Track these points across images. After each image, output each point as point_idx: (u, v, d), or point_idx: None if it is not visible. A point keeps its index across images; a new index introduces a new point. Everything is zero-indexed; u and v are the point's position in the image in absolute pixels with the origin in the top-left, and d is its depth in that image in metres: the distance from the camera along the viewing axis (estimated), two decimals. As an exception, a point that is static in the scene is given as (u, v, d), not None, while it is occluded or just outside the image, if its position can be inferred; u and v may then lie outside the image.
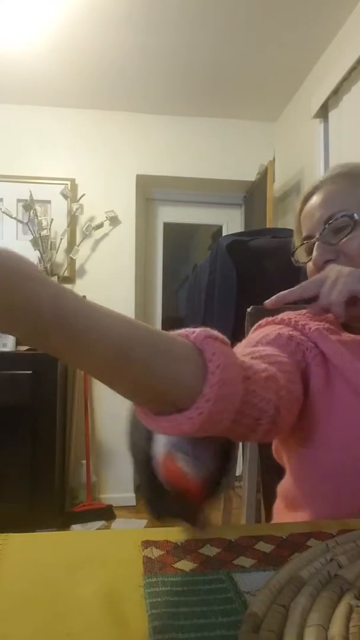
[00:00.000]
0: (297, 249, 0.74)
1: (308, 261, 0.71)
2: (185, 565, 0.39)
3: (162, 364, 0.40)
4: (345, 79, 2.02)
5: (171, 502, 0.45)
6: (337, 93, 2.11)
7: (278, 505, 0.70)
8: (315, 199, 0.71)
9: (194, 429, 0.41)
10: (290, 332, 0.66)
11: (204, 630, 0.30)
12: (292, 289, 0.55)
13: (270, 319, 0.71)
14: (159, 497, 0.46)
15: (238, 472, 2.00)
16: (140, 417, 0.44)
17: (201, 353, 0.42)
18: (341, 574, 0.33)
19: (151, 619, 0.31)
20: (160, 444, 0.47)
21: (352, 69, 1.93)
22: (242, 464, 1.76)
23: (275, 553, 0.41)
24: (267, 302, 0.54)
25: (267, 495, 0.92)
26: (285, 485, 0.70)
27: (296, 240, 0.76)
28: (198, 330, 0.43)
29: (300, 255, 0.74)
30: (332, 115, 2.20)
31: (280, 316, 0.71)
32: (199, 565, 0.39)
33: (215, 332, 0.44)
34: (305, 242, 0.72)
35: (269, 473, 0.74)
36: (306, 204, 0.73)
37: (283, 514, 0.68)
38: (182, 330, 0.44)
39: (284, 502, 0.69)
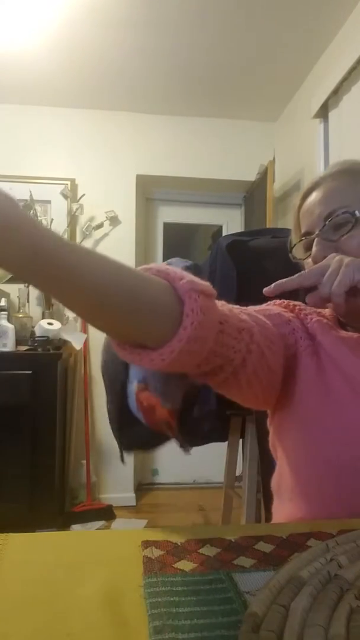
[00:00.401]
0: (295, 245, 0.73)
1: (306, 257, 0.70)
2: (185, 565, 0.39)
3: (140, 312, 0.43)
4: (345, 79, 2.02)
5: (141, 430, 0.50)
6: (337, 93, 2.11)
7: (275, 505, 0.70)
8: (315, 195, 0.70)
9: (154, 368, 0.45)
10: (290, 317, 0.68)
11: (204, 630, 0.30)
12: (292, 277, 0.55)
13: (279, 301, 0.73)
14: (128, 426, 0.50)
15: (238, 472, 2.00)
16: (115, 348, 0.47)
17: (181, 304, 0.44)
18: (341, 574, 0.33)
19: (151, 619, 0.31)
20: (134, 376, 0.51)
21: (352, 69, 1.93)
22: (242, 464, 1.76)
23: (275, 553, 0.41)
24: (266, 289, 0.55)
25: (267, 495, 0.92)
26: (276, 479, 0.70)
27: (294, 237, 0.75)
28: (186, 279, 0.45)
29: (298, 252, 0.73)
30: (332, 115, 2.20)
31: (291, 302, 0.72)
32: (199, 565, 0.39)
33: (202, 284, 0.46)
34: (304, 238, 0.71)
35: (269, 473, 0.74)
36: (305, 200, 0.72)
37: (279, 509, 0.68)
38: (172, 272, 0.46)
39: (279, 498, 0.69)
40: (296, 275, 0.55)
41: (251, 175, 2.91)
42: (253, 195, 2.97)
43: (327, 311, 0.72)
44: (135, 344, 0.46)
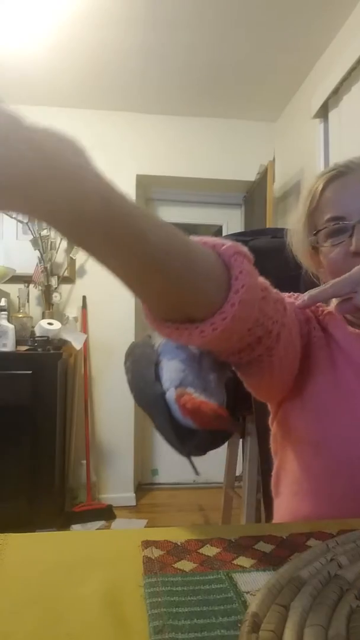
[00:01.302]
0: (321, 230, 0.66)
1: (332, 244, 0.65)
2: (185, 565, 0.39)
3: (192, 276, 0.40)
4: (345, 79, 2.01)
5: (201, 433, 0.46)
6: (337, 93, 2.11)
7: (277, 502, 0.70)
8: (348, 181, 0.65)
9: (203, 342, 0.42)
10: (307, 317, 0.67)
11: (204, 630, 0.30)
12: (324, 287, 0.51)
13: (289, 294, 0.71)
14: (188, 436, 0.47)
15: (238, 472, 2.00)
16: (158, 328, 0.45)
17: (228, 268, 0.42)
18: (341, 574, 0.33)
19: (151, 619, 0.31)
20: (170, 384, 0.48)
21: (352, 69, 1.93)
22: (242, 464, 1.76)
23: (275, 553, 0.41)
24: (298, 303, 0.53)
25: (267, 495, 0.92)
26: (278, 475, 0.69)
27: (306, 223, 0.69)
28: (228, 243, 0.43)
29: (322, 238, 0.66)
30: (332, 115, 2.20)
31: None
32: (199, 565, 0.39)
33: (243, 248, 0.44)
34: (334, 223, 0.64)
35: (269, 473, 0.74)
36: (331, 184, 0.66)
37: (281, 506, 0.67)
38: (212, 240, 0.44)
39: (280, 494, 0.69)
40: (328, 285, 0.51)
41: (251, 175, 2.91)
42: (253, 195, 2.97)
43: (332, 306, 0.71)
44: (180, 320, 0.43)
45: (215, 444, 0.49)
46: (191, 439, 0.47)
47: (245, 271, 0.43)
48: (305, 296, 0.52)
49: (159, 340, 0.53)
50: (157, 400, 0.48)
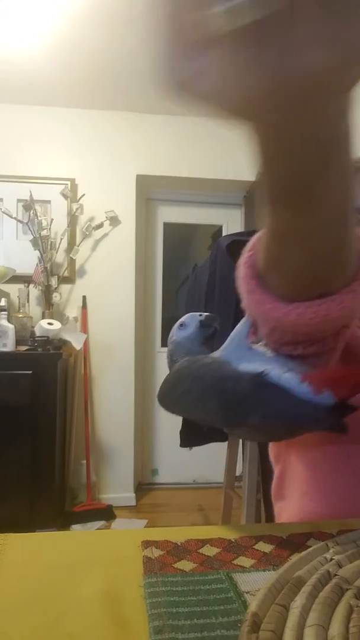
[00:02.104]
0: None
1: None
2: (185, 565, 0.39)
3: (352, 237, 0.38)
4: (345, 79, 2.01)
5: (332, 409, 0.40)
6: (337, 93, 2.11)
7: (280, 506, 0.70)
8: None
9: (342, 314, 0.39)
10: None
11: (204, 630, 0.30)
12: None
13: None
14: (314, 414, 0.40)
15: (238, 472, 2.00)
16: (260, 300, 0.41)
17: None
18: (341, 574, 0.33)
19: (151, 619, 0.31)
20: (281, 369, 0.42)
21: (352, 69, 1.93)
22: (242, 464, 1.76)
23: (275, 553, 0.41)
24: None
25: (267, 495, 0.92)
26: (281, 480, 0.69)
27: None
28: None
29: None
30: (332, 115, 2.20)
31: None
32: (199, 565, 0.39)
33: None
34: None
35: (269, 473, 0.74)
36: None
37: (287, 508, 0.67)
38: None
39: (283, 498, 0.68)
40: None
41: (251, 175, 2.91)
42: (253, 195, 2.97)
43: None
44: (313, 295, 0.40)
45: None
46: (326, 413, 0.40)
47: None
48: None
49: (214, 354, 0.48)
50: (267, 387, 0.42)
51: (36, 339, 2.36)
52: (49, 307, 2.70)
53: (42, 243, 2.69)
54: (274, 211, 0.37)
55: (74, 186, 2.85)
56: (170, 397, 0.50)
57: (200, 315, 0.55)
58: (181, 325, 0.55)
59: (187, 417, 0.51)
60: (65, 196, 2.83)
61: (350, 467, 0.59)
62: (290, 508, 0.67)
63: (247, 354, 0.45)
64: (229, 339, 0.48)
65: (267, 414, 0.42)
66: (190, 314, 0.55)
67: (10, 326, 2.35)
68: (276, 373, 0.42)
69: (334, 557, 0.35)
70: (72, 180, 2.85)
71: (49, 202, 2.82)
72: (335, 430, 0.41)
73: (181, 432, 2.00)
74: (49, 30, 2.16)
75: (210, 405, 0.45)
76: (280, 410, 0.41)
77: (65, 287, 2.83)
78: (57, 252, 2.78)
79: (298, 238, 0.37)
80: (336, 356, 0.49)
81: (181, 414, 0.53)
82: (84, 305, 2.82)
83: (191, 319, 0.55)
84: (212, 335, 0.54)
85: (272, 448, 0.72)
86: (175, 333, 0.56)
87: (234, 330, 0.48)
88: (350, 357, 0.57)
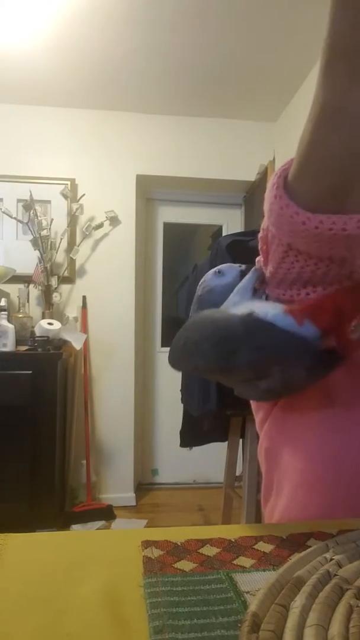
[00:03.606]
0: None
1: None
2: (185, 565, 0.39)
3: None
4: (345, 79, 2.01)
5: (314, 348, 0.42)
6: (337, 93, 2.11)
7: (272, 502, 0.69)
8: None
9: (332, 233, 0.41)
10: None
11: (204, 630, 0.30)
12: None
13: None
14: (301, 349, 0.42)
15: (238, 472, 2.00)
16: (286, 205, 0.42)
17: None
18: (341, 574, 0.33)
19: (151, 619, 0.31)
20: (266, 308, 0.44)
21: (352, 69, 1.93)
22: (242, 464, 1.76)
23: (275, 553, 0.41)
24: None
25: (267, 495, 0.92)
26: (273, 476, 0.69)
27: None
28: None
29: None
30: (332, 115, 2.20)
31: None
32: (199, 565, 0.39)
33: None
34: None
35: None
36: None
37: (279, 504, 0.67)
38: None
39: (277, 494, 0.68)
40: None
41: (251, 175, 2.91)
42: (253, 195, 2.97)
43: None
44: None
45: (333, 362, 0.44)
46: (310, 353, 0.42)
47: None
48: None
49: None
50: (255, 322, 0.43)
51: (36, 339, 2.36)
52: (49, 307, 2.70)
53: (42, 243, 2.69)
54: (328, 82, 0.37)
55: (74, 186, 2.85)
56: (176, 350, 0.51)
57: (240, 265, 0.54)
58: (218, 272, 0.54)
59: (189, 370, 0.51)
60: (65, 196, 2.83)
61: (351, 453, 0.59)
62: (283, 504, 0.66)
63: (246, 302, 0.47)
64: (234, 290, 0.49)
65: (254, 346, 0.43)
66: (229, 264, 0.55)
67: (10, 326, 2.35)
68: (264, 311, 0.44)
69: (334, 557, 0.35)
70: (72, 180, 2.85)
71: (49, 202, 2.83)
72: (320, 367, 0.42)
73: (181, 432, 2.00)
74: (49, 31, 2.16)
75: (205, 346, 0.46)
76: (266, 343, 0.43)
77: (65, 287, 2.83)
78: (57, 252, 2.78)
79: (344, 117, 0.38)
80: None
81: (185, 366, 0.53)
82: (84, 305, 2.82)
83: (230, 268, 0.54)
84: None
85: (262, 443, 0.72)
86: (210, 279, 0.54)
87: (241, 281, 0.49)
88: None
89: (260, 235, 0.52)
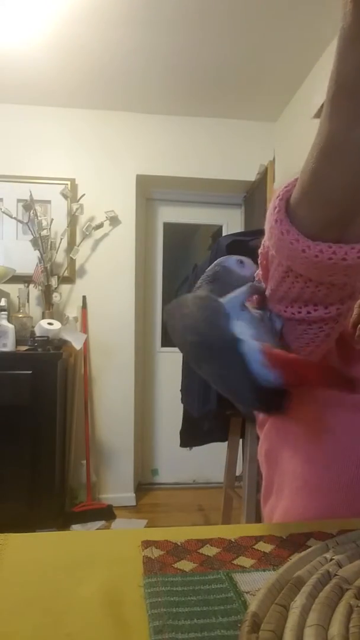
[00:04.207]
0: None
1: None
2: (185, 565, 0.39)
3: None
4: (345, 79, 2.01)
5: (274, 392, 0.43)
6: (337, 93, 2.11)
7: (272, 501, 0.70)
8: None
9: (331, 262, 0.41)
10: None
11: (204, 630, 0.30)
12: None
13: None
14: (264, 392, 0.43)
15: (238, 472, 2.00)
16: (286, 231, 0.43)
17: None
18: (341, 574, 0.33)
19: (151, 619, 0.31)
20: (247, 335, 0.45)
21: (352, 69, 1.93)
22: (242, 464, 1.76)
23: (275, 553, 0.41)
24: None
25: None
26: (273, 478, 0.69)
27: None
28: None
29: None
30: (332, 115, 2.20)
31: None
32: (199, 565, 0.39)
33: None
34: None
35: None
36: None
37: (280, 504, 0.67)
38: None
39: (276, 495, 0.68)
40: None
41: (251, 175, 2.91)
42: (253, 195, 2.97)
43: None
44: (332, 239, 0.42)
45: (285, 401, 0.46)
46: (269, 393, 0.43)
47: None
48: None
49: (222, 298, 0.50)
50: (232, 346, 0.44)
51: (36, 339, 2.36)
52: (49, 307, 2.70)
53: (42, 243, 2.69)
54: (332, 117, 0.37)
55: (74, 186, 2.85)
56: (171, 319, 0.53)
57: (256, 272, 0.55)
58: (240, 262, 0.54)
59: (174, 338, 0.53)
60: (65, 196, 2.83)
61: (351, 456, 0.59)
62: (283, 506, 0.66)
63: (239, 312, 0.48)
64: (227, 298, 0.50)
65: (219, 366, 0.46)
66: (249, 259, 0.55)
67: (10, 326, 2.35)
68: (247, 335, 0.45)
69: (334, 557, 0.35)
70: (72, 180, 2.85)
71: (49, 202, 2.83)
72: (272, 410, 0.44)
73: (181, 432, 2.00)
74: (49, 31, 2.16)
75: (183, 338, 0.49)
76: (222, 374, 0.46)
77: (65, 287, 2.83)
78: (57, 252, 2.78)
79: (347, 153, 0.38)
80: (334, 332, 0.51)
81: (172, 334, 0.55)
82: (84, 305, 2.82)
83: (251, 264, 0.54)
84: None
85: (262, 445, 0.72)
86: (230, 263, 0.54)
87: (234, 292, 0.50)
88: (342, 343, 0.60)
89: (260, 250, 0.52)
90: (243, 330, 0.45)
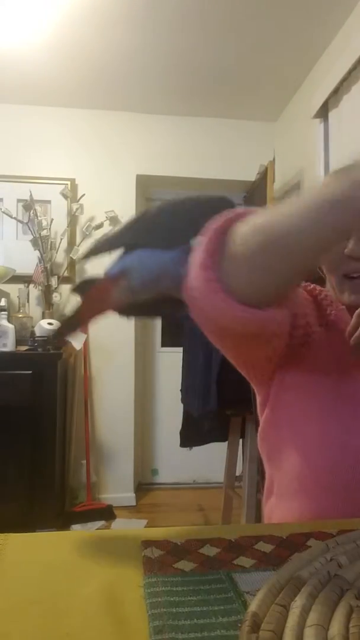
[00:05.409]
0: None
1: None
2: (185, 565, 0.39)
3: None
4: (345, 79, 2.01)
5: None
6: (337, 93, 2.11)
7: (273, 502, 0.70)
8: None
9: (247, 327, 0.51)
10: (308, 301, 0.70)
11: (204, 630, 0.30)
12: None
13: (305, 283, 0.74)
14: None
15: (238, 472, 2.00)
16: (229, 305, 0.49)
17: None
18: (341, 574, 0.33)
19: (151, 619, 0.31)
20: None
21: (352, 69, 1.93)
22: (242, 464, 1.76)
23: (275, 553, 0.41)
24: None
25: (267, 495, 0.92)
26: (275, 476, 0.69)
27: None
28: None
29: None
30: (332, 115, 2.20)
31: (317, 287, 0.73)
32: (199, 565, 0.39)
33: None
34: None
35: (269, 473, 0.74)
36: None
37: (279, 506, 0.67)
38: None
39: (276, 495, 0.68)
40: None
41: (251, 175, 2.91)
42: (253, 195, 2.97)
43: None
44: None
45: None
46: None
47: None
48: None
49: None
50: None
51: (36, 339, 2.36)
52: (49, 307, 2.70)
53: (42, 243, 2.68)
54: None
55: (74, 186, 2.85)
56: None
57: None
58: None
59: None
60: (65, 196, 2.83)
61: (346, 460, 0.59)
62: (283, 507, 0.67)
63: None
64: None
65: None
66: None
67: (10, 326, 2.35)
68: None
69: (334, 557, 0.35)
70: (72, 180, 2.85)
71: (49, 202, 2.82)
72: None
73: (181, 432, 2.00)
74: (49, 30, 2.16)
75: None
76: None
77: (65, 287, 2.83)
78: (57, 252, 2.78)
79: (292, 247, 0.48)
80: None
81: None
82: (84, 305, 2.82)
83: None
84: None
85: (263, 444, 0.72)
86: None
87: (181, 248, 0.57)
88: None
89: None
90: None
